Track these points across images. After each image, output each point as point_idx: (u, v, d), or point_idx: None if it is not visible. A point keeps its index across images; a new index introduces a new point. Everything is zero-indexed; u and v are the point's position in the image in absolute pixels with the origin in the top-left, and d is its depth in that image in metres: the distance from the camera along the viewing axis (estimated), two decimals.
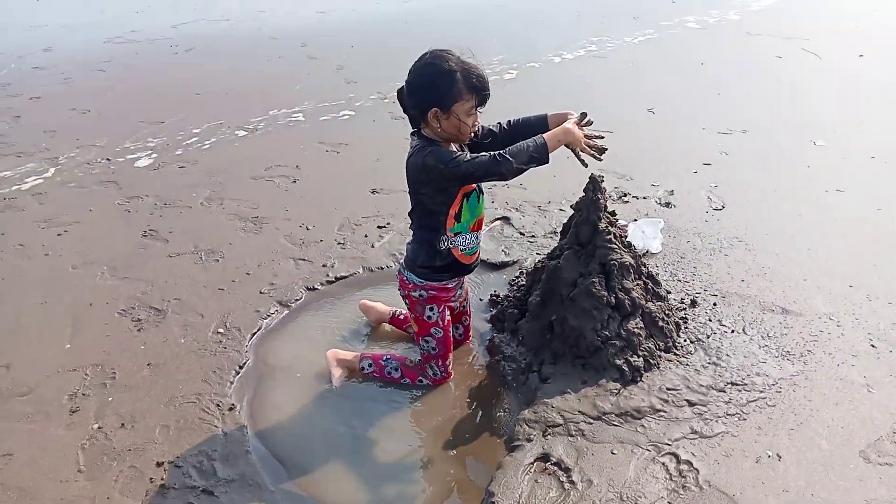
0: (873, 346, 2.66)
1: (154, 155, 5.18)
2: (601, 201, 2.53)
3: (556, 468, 2.17)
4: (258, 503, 2.08)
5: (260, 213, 4.08)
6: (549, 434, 2.27)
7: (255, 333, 2.94)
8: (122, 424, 2.43)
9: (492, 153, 2.13)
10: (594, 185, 2.52)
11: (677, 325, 2.69)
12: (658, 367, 2.50)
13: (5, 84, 7.69)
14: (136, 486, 2.16)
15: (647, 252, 3.33)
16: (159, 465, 2.24)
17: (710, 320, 2.83)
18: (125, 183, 4.66)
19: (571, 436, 2.27)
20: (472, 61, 2.20)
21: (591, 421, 2.31)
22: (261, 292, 3.22)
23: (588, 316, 2.47)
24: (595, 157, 2.27)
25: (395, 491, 2.16)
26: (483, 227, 2.54)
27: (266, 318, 3.04)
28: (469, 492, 2.15)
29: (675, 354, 2.57)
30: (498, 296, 3.04)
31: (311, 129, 5.63)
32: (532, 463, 2.18)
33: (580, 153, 2.25)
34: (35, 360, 2.81)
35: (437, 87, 2.15)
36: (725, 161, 4.65)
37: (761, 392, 2.42)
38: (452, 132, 2.22)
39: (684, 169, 4.49)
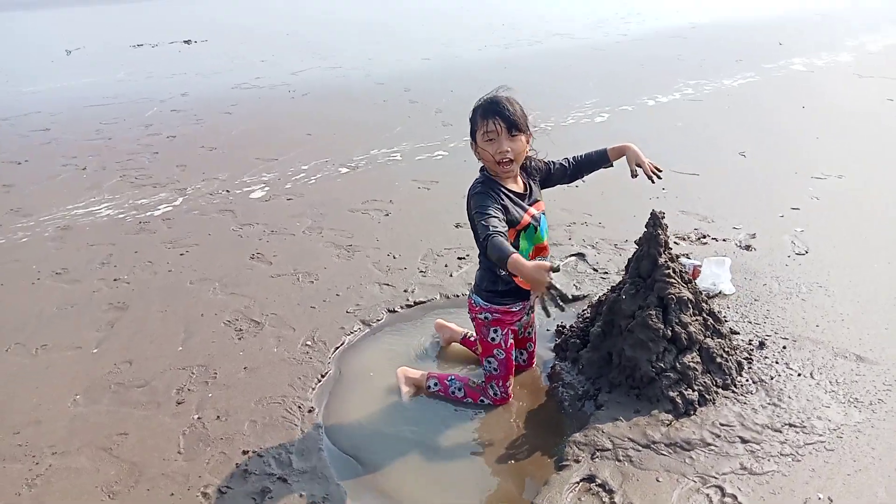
0: None
1: (266, 188, 5.75)
2: (661, 237, 2.64)
3: (600, 489, 2.27)
4: (324, 493, 2.33)
5: (353, 242, 4.44)
6: (598, 457, 2.38)
7: (338, 347, 3.25)
8: (218, 417, 2.78)
9: (491, 233, 2.21)
10: (655, 220, 2.65)
11: (739, 364, 2.72)
12: (713, 403, 2.54)
13: (149, 124, 8.74)
14: (224, 468, 2.47)
15: (719, 293, 3.35)
16: (244, 453, 2.55)
17: (777, 363, 2.82)
18: (240, 212, 5.21)
19: (619, 461, 2.36)
20: (496, 93, 2.44)
21: (640, 448, 2.39)
22: (347, 311, 3.54)
23: (644, 347, 2.57)
24: (558, 305, 2.45)
25: (448, 496, 2.33)
26: (547, 252, 2.66)
27: (349, 335, 3.34)
28: (516, 503, 2.29)
29: (734, 392, 2.60)
30: (564, 326, 3.17)
31: (407, 168, 6.03)
32: (578, 482, 2.30)
33: (543, 298, 2.44)
34: (152, 358, 3.25)
35: (470, 122, 2.47)
36: (815, 206, 4.55)
37: (820, 435, 2.40)
38: (486, 160, 2.47)
39: (770, 213, 4.44)
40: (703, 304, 2.71)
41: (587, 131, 6.85)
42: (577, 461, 2.37)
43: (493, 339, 2.67)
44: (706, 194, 4.80)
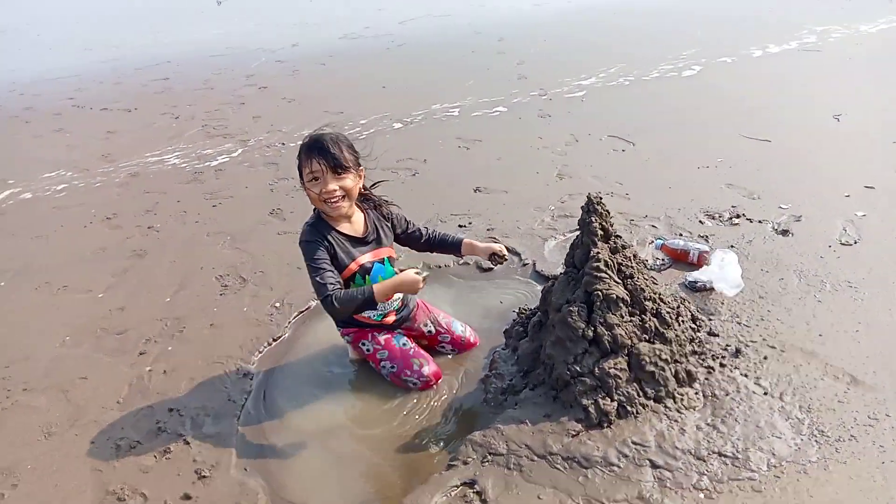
0: None
1: None
2: (595, 224, 2.31)
3: (475, 497, 2.09)
4: (215, 460, 2.35)
5: None
6: (487, 461, 2.19)
7: (302, 311, 3.24)
8: (165, 371, 2.90)
9: (331, 294, 2.23)
10: (589, 206, 2.32)
11: (689, 374, 2.35)
12: (635, 416, 2.23)
13: (250, 75, 9.18)
14: (144, 424, 2.57)
15: (712, 290, 2.90)
16: (170, 410, 2.65)
17: (746, 376, 2.41)
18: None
19: (509, 468, 2.15)
20: (320, 131, 2.35)
21: (535, 458, 2.16)
22: None
23: (562, 346, 2.30)
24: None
25: (328, 485, 2.27)
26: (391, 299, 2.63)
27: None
28: (391, 500, 2.18)
29: (668, 406, 2.26)
30: (526, 311, 2.93)
31: (458, 124, 5.81)
32: (457, 486, 2.13)
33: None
34: (141, 307, 3.45)
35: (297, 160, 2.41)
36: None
37: (752, 472, 2.02)
38: (313, 201, 2.38)
39: (834, 191, 3.75)
40: (649, 303, 2.35)
41: (667, 86, 6.18)
42: (466, 462, 2.20)
43: (368, 349, 2.66)
44: (767, 165, 4.15)
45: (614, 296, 2.25)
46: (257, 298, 3.39)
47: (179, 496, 2.21)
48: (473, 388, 2.63)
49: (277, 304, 3.31)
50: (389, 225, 2.64)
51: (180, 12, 17.41)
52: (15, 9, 21.86)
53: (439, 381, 2.63)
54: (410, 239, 2.76)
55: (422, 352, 2.67)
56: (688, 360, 2.37)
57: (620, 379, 2.24)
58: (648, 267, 3.14)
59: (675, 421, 2.22)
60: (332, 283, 2.26)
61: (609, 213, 2.38)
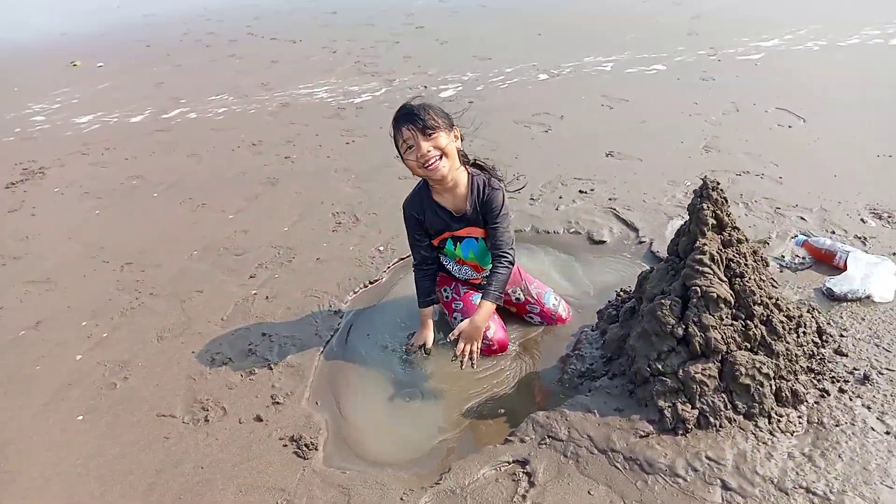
0: None
1: (459, 87, 5.76)
2: (705, 211, 2.04)
3: (525, 477, 2.00)
4: (290, 390, 2.46)
5: (495, 155, 4.26)
6: (545, 444, 2.08)
7: (403, 259, 3.26)
8: (267, 297, 3.07)
9: (414, 266, 2.61)
10: (703, 190, 2.04)
11: (795, 393, 2.05)
12: (717, 430, 1.99)
13: (410, 14, 9.25)
14: (240, 343, 2.75)
15: (853, 301, 2.49)
16: (263, 335, 2.80)
17: (868, 408, 2.06)
18: None
19: (565, 456, 2.03)
20: (409, 102, 2.30)
21: (594, 451, 2.02)
22: None
23: (647, 340, 2.09)
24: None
25: (389, 433, 2.28)
26: (480, 270, 2.65)
27: None
28: (442, 462, 2.15)
29: (758, 426, 1.99)
30: (623, 294, 2.72)
31: (607, 81, 5.44)
32: (509, 462, 2.06)
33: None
34: (262, 233, 3.66)
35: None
36: None
37: None
38: (414, 170, 2.35)
39: None
40: (758, 308, 2.06)
41: (866, 55, 5.30)
42: (523, 441, 2.11)
43: (446, 296, 2.68)
44: None
45: (715, 294, 1.99)
46: (364, 239, 3.45)
47: (252, 417, 2.34)
48: (553, 364, 2.51)
49: (381, 248, 3.35)
50: (487, 211, 2.46)
51: None
52: None
53: (504, 349, 2.54)
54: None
55: (496, 315, 2.57)
56: (796, 379, 2.07)
57: (707, 386, 2.00)
58: (784, 265, 2.78)
59: (765, 443, 1.95)
60: (417, 257, 2.58)
61: (726, 202, 2.08)
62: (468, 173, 2.46)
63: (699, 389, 2.00)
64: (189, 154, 4.96)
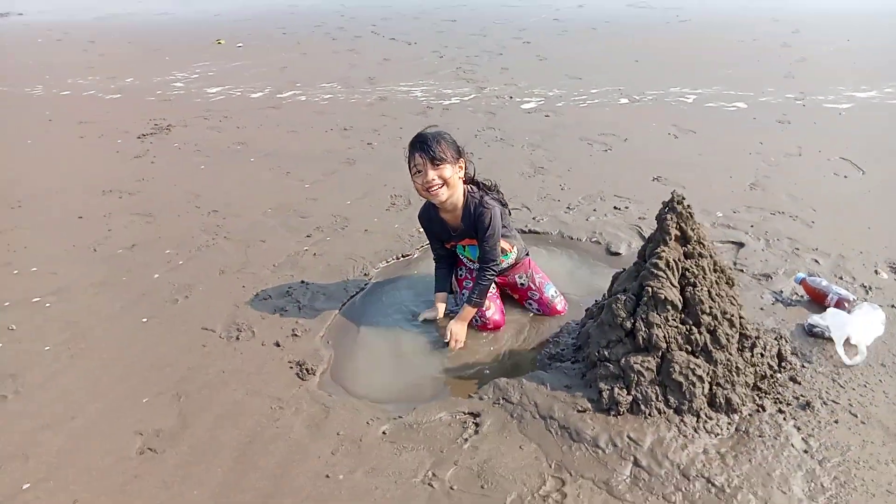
0: None
1: (541, 101, 6.08)
2: (668, 221, 2.28)
3: (473, 426, 2.33)
4: (311, 326, 2.92)
5: (548, 165, 4.58)
6: (498, 404, 2.40)
7: None
8: (314, 255, 3.55)
9: (435, 258, 3.05)
10: (669, 203, 2.29)
11: (729, 402, 2.25)
12: (646, 417, 2.23)
13: (523, 28, 9.63)
14: (280, 288, 3.24)
15: (829, 340, 2.60)
16: (302, 282, 3.29)
17: (798, 429, 2.21)
18: (500, 116, 5.72)
19: (511, 416, 2.34)
20: (425, 130, 2.63)
21: (536, 416, 2.31)
22: None
23: (601, 330, 2.36)
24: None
25: (377, 373, 2.67)
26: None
27: None
28: (415, 403, 2.51)
29: (683, 421, 2.22)
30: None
31: (685, 111, 5.56)
32: (464, 413, 2.40)
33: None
34: (329, 203, 4.17)
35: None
36: None
37: None
38: (419, 192, 2.69)
39: None
40: (706, 318, 2.27)
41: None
42: (482, 398, 2.44)
43: (460, 274, 3.05)
44: None
45: (663, 296, 2.24)
46: (409, 221, 3.88)
47: (273, 342, 2.82)
48: (533, 346, 2.81)
49: (420, 231, 3.75)
50: (477, 229, 2.79)
51: None
52: None
53: (499, 329, 2.86)
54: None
55: (498, 300, 2.91)
56: (733, 389, 2.27)
57: (644, 377, 2.25)
58: (778, 299, 2.92)
59: (685, 436, 2.18)
60: (435, 254, 3.02)
61: (692, 216, 2.32)
62: (465, 194, 2.79)
63: (636, 378, 2.25)
64: (289, 130, 5.62)
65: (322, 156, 4.97)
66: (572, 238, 3.60)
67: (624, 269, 2.53)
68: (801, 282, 2.94)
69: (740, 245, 3.41)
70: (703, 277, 2.30)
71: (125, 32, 10.65)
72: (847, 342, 2.56)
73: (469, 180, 2.84)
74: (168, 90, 7.11)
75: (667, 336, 2.25)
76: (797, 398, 2.35)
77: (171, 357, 2.74)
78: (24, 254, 3.64)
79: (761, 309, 2.86)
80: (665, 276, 2.25)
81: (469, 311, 2.80)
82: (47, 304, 3.14)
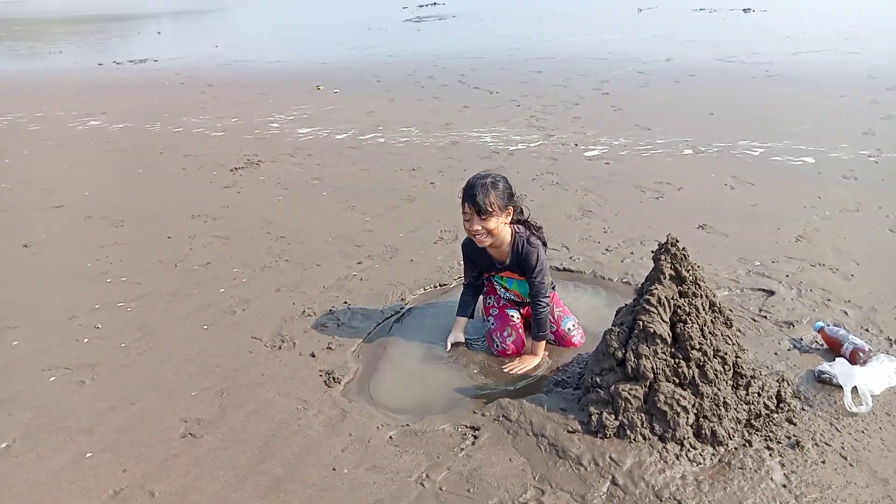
0: None
1: (605, 149, 6.24)
2: (662, 261, 2.43)
3: (472, 438, 2.53)
4: (344, 342, 3.23)
5: (597, 210, 4.73)
6: (498, 421, 2.59)
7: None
8: (361, 279, 3.88)
9: (465, 284, 3.28)
10: (664, 245, 2.45)
11: (714, 434, 2.33)
12: (630, 441, 2.35)
13: (605, 80, 9.83)
14: (325, 305, 3.60)
15: (838, 387, 2.61)
16: (345, 303, 3.62)
17: (782, 465, 2.24)
18: (561, 161, 5.94)
19: (507, 432, 2.52)
20: (478, 176, 2.84)
21: (530, 434, 2.48)
22: None
23: (596, 358, 2.52)
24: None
25: (397, 388, 2.92)
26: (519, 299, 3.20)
27: None
28: (427, 413, 2.74)
29: (666, 448, 2.32)
30: None
31: (745, 164, 5.55)
32: (466, 426, 2.60)
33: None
34: (384, 234, 4.52)
35: None
36: None
37: None
38: (470, 236, 2.93)
39: None
40: (695, 353, 2.38)
41: None
42: (484, 414, 2.64)
43: (488, 302, 3.26)
44: None
45: (652, 330, 2.37)
46: (452, 253, 4.15)
47: (309, 353, 3.15)
48: (547, 373, 2.98)
49: (460, 263, 4.00)
50: (524, 266, 3.00)
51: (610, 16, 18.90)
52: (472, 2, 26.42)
53: (516, 355, 3.07)
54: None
55: (520, 329, 3.10)
56: (720, 422, 2.35)
57: (631, 404, 2.38)
58: (795, 346, 2.94)
59: (665, 462, 2.28)
60: (466, 280, 3.26)
61: (686, 258, 2.45)
62: (513, 232, 3.00)
63: (624, 405, 2.39)
64: (362, 168, 6.10)
65: (387, 192, 5.37)
66: (604, 278, 3.74)
67: (625, 305, 2.67)
68: (820, 330, 2.95)
69: (770, 293, 3.42)
70: (696, 315, 2.42)
71: (239, 78, 11.79)
72: (854, 390, 2.56)
73: (517, 221, 3.05)
74: (265, 130, 7.85)
75: (654, 367, 2.37)
76: (788, 437, 2.39)
77: (221, 359, 3.12)
78: (119, 266, 4.22)
79: (775, 353, 2.89)
80: (656, 312, 2.39)
81: (541, 346, 3.03)
82: (129, 309, 3.64)
